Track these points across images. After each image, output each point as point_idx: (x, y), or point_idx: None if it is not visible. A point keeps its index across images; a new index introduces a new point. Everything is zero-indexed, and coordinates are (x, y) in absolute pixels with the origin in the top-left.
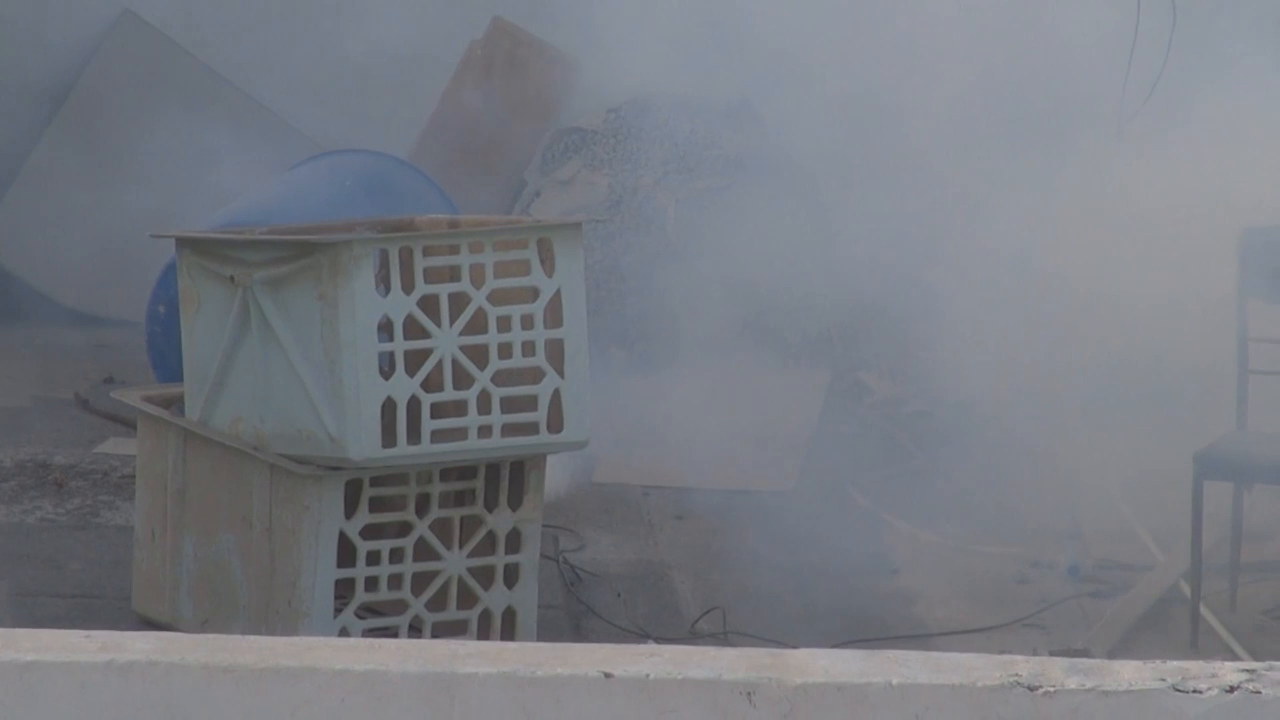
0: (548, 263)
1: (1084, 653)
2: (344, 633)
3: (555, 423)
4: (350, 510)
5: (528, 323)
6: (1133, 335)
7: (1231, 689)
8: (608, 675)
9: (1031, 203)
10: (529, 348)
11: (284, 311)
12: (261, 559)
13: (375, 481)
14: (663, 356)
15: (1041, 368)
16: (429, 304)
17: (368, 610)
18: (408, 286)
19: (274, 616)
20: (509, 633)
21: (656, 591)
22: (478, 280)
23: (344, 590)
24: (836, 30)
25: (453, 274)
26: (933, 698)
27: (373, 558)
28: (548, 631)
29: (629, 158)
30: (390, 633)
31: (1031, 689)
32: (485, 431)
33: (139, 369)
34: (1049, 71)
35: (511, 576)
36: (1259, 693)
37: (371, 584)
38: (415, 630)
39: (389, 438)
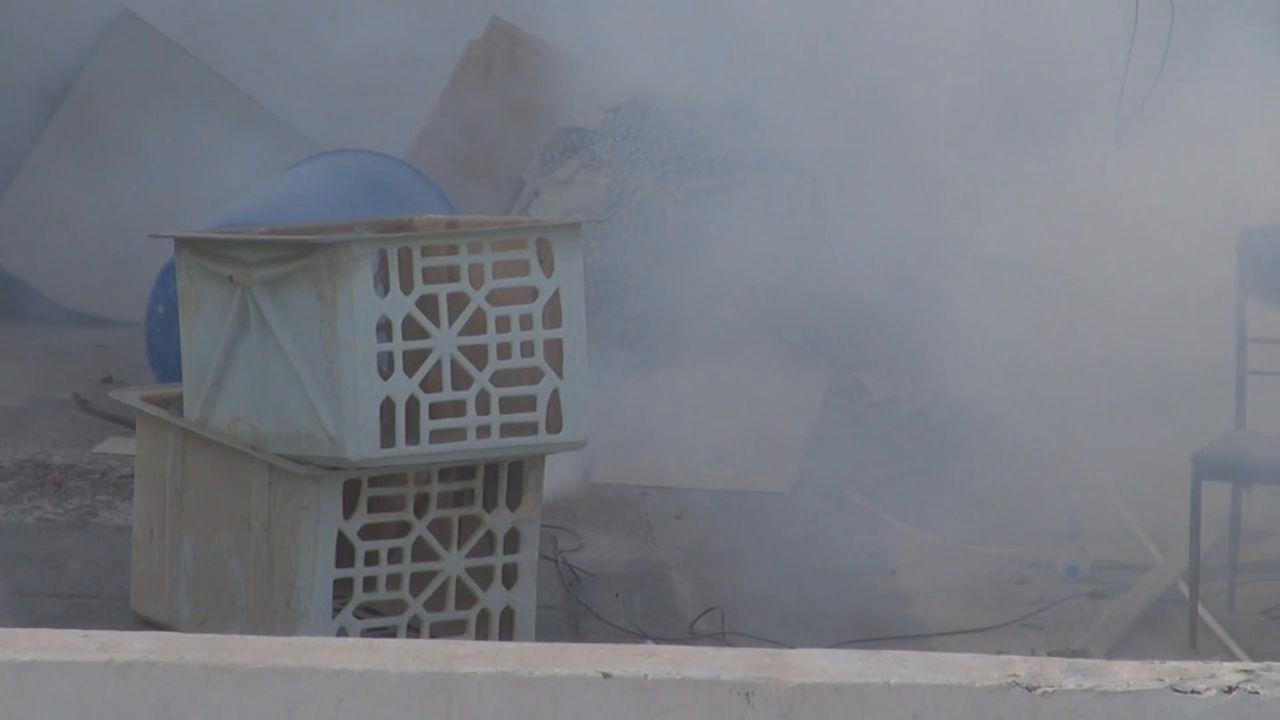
0: (546, 263)
1: (1082, 653)
2: (342, 633)
3: (554, 423)
4: (349, 510)
5: (526, 323)
6: (1131, 335)
7: (1230, 689)
8: (606, 675)
9: (1029, 202)
10: (528, 348)
11: (283, 311)
12: (260, 559)
13: (374, 481)
14: (661, 357)
15: (1040, 368)
16: (428, 304)
17: (366, 610)
18: (406, 286)
19: (272, 616)
20: (507, 633)
21: (655, 592)
22: (476, 280)
23: (342, 590)
24: (835, 30)
25: (451, 274)
26: (931, 698)
27: (371, 558)
28: (546, 631)
29: (628, 158)
30: (389, 633)
31: (1030, 689)
32: (484, 432)
33: (138, 369)
34: (1047, 71)
35: (510, 577)
36: (1257, 693)
37: (370, 584)
38: (413, 630)
39: (387, 438)
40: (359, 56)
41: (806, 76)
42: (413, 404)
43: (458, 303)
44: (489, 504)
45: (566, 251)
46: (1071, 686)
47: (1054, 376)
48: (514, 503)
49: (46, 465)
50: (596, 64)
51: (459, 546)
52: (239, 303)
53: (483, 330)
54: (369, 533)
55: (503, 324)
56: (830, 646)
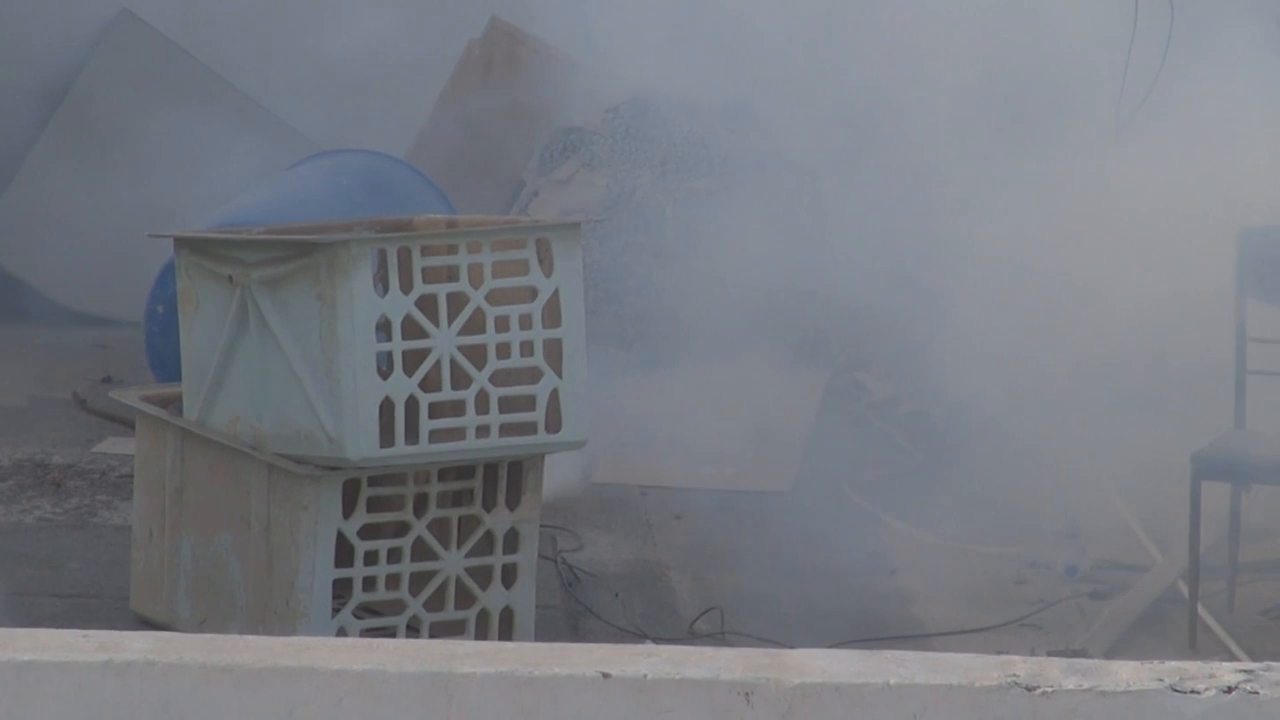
0: (546, 263)
1: (1082, 653)
2: (342, 632)
3: (553, 423)
4: (348, 510)
5: (526, 323)
6: (1130, 334)
7: (1229, 689)
8: (605, 675)
9: (1029, 201)
10: (527, 348)
11: (282, 311)
12: (259, 559)
13: (373, 481)
14: (661, 357)
15: (1040, 367)
16: (427, 304)
17: (365, 610)
18: (406, 286)
19: (272, 616)
20: (507, 633)
21: (654, 591)
22: (476, 280)
23: (342, 590)
24: (835, 30)
25: (451, 274)
26: (930, 698)
27: (370, 557)
28: (545, 631)
29: (627, 158)
30: (388, 633)
31: (1029, 689)
32: (483, 431)
33: (137, 369)
34: (1047, 70)
35: (509, 576)
36: (1257, 693)
37: (369, 584)
38: (413, 630)
39: (387, 437)
40: (359, 56)
41: (806, 76)
42: (412, 404)
43: (457, 302)
44: (488, 504)
45: (566, 251)
46: (1071, 686)
47: (1054, 376)
48: (513, 502)
49: (46, 465)
50: (596, 64)
51: (458, 546)
52: (238, 302)
53: (482, 330)
54: (368, 532)
55: (502, 324)
56: (830, 646)
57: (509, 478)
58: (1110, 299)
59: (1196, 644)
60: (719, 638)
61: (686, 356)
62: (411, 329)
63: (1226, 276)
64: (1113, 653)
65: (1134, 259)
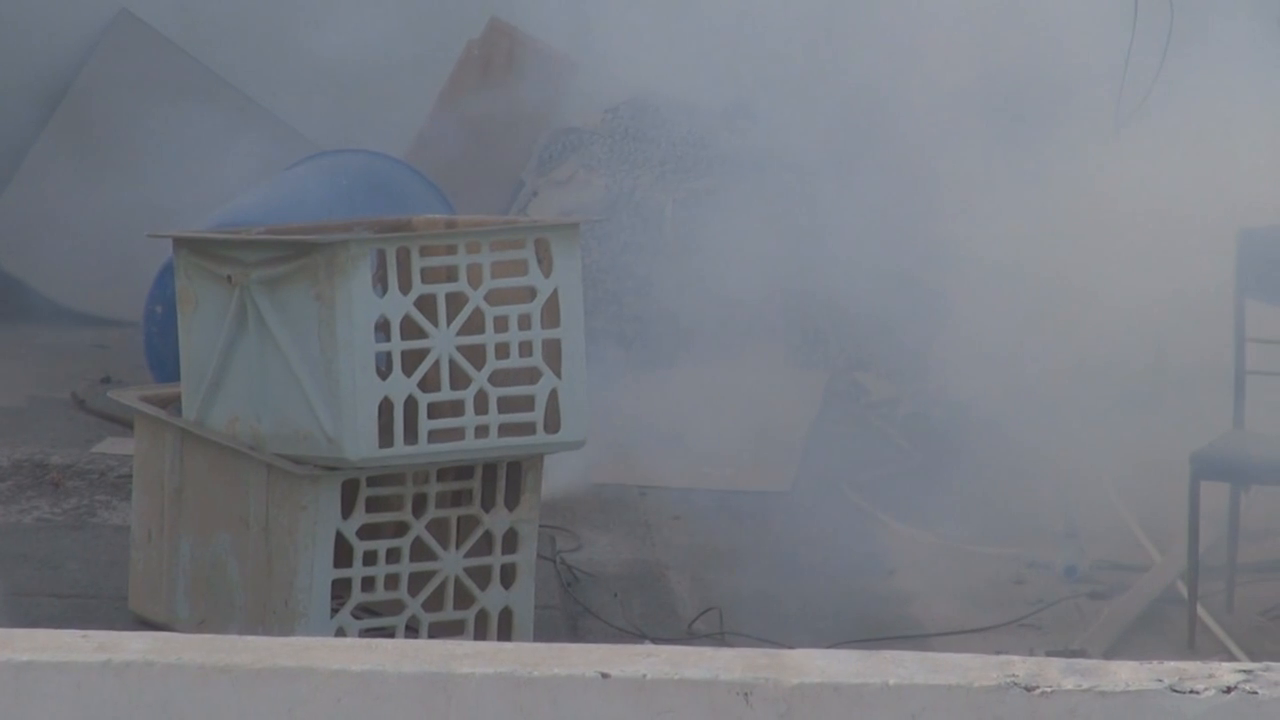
0: (545, 263)
1: (1081, 653)
2: (340, 633)
3: (552, 423)
4: (347, 510)
5: (525, 323)
6: (1130, 334)
7: (1228, 690)
8: (605, 675)
9: (1028, 201)
10: (526, 348)
11: (281, 311)
12: (258, 559)
13: (372, 481)
14: (660, 356)
15: (1039, 368)
16: (426, 304)
17: (364, 610)
18: (405, 286)
19: (270, 616)
20: (506, 633)
21: (653, 592)
22: (475, 280)
23: (341, 590)
24: (835, 31)
25: (450, 274)
26: (929, 698)
27: (369, 558)
28: (544, 632)
29: (626, 158)
30: (387, 633)
31: (1028, 689)
32: (482, 431)
33: (136, 369)
34: (1046, 70)
35: (508, 577)
36: (1256, 693)
37: (368, 584)
38: (412, 630)
39: (386, 438)
40: (358, 57)
41: (806, 76)
42: (411, 404)
43: (456, 303)
44: (487, 504)
45: (565, 251)
46: (1070, 687)
47: (1053, 376)
48: (512, 503)
49: (45, 465)
50: (595, 64)
51: (457, 546)
52: (237, 303)
53: (481, 330)
54: (367, 533)
55: (501, 324)
56: (829, 646)
57: (508, 478)
58: (1110, 299)
59: (1195, 644)
60: (718, 638)
61: (686, 356)
62: (410, 329)
63: (1226, 276)
64: (1112, 653)
65: (1133, 259)
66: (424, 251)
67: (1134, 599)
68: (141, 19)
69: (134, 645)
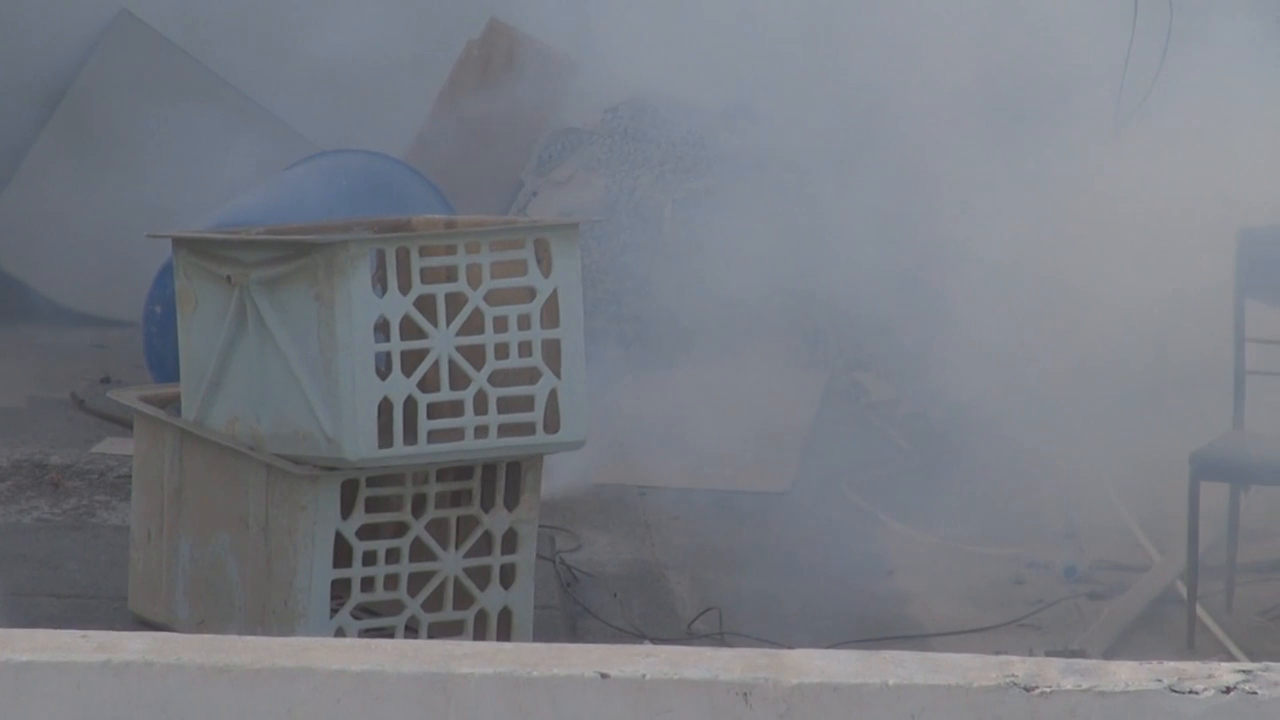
0: (544, 263)
1: (1080, 653)
2: (340, 633)
3: (552, 423)
4: (346, 510)
5: (524, 323)
6: (1130, 334)
7: (1228, 690)
8: (604, 675)
9: (1028, 201)
10: (525, 348)
11: (280, 311)
12: (258, 559)
13: (371, 482)
14: (659, 357)
15: (1039, 368)
16: (425, 304)
17: (364, 610)
18: (404, 287)
19: (270, 617)
20: (505, 633)
21: (653, 592)
22: (474, 280)
23: (340, 590)
24: (834, 30)
25: (449, 274)
26: (929, 698)
27: (369, 558)
28: (544, 632)
29: (626, 158)
30: (386, 633)
31: (1028, 690)
32: (482, 432)
33: (135, 369)
34: (1046, 70)
35: (508, 577)
36: (1255, 693)
37: (368, 584)
38: (411, 630)
39: (385, 438)
40: (358, 57)
41: (806, 76)
42: (410, 404)
43: (455, 303)
44: (487, 504)
45: (564, 251)
46: (1069, 687)
47: (1053, 376)
48: (512, 503)
49: (44, 465)
50: (594, 64)
51: (457, 547)
52: (237, 303)
53: (480, 330)
54: (367, 533)
55: (500, 324)
56: (828, 647)
57: (507, 478)
58: (1110, 299)
59: (1195, 644)
60: (717, 638)
61: (686, 356)
62: (410, 329)
63: (1226, 276)
64: (1111, 653)
65: (1133, 259)
66: (423, 252)
67: (1133, 599)
68: (141, 19)
69: (133, 645)
